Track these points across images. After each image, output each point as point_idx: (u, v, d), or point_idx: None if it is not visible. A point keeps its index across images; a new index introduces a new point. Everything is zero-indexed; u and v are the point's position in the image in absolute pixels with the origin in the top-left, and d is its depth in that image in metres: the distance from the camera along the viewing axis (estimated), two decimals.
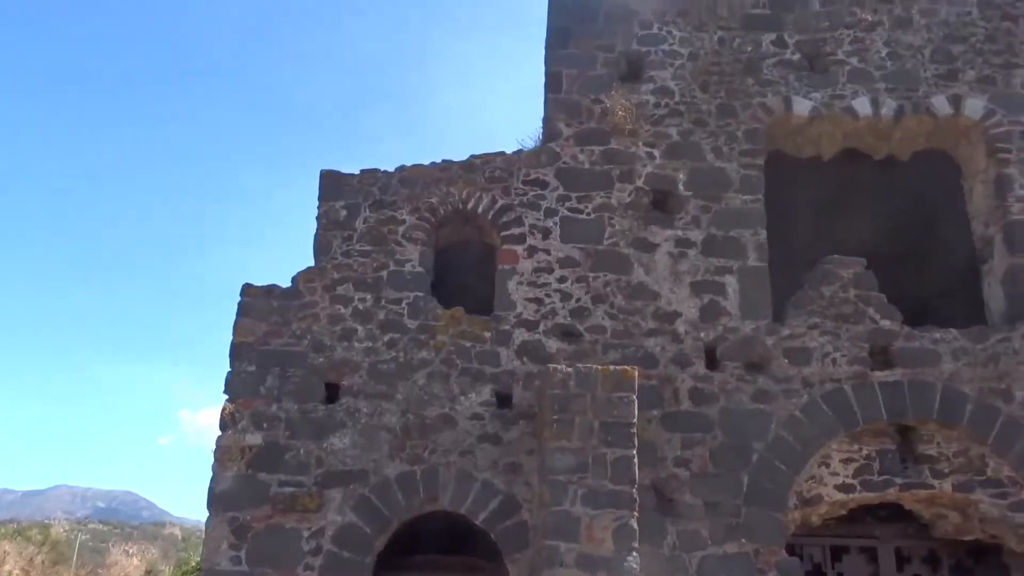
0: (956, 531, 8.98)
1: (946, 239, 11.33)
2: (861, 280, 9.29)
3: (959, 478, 8.68)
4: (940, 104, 9.96)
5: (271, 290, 9.23)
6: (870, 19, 10.26)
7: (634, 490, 7.66)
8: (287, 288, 9.24)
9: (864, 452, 8.80)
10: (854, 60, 10.11)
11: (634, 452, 7.78)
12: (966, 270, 10.50)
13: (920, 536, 9.33)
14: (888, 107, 9.92)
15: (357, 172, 9.67)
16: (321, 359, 8.96)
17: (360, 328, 9.08)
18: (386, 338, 9.03)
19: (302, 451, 8.64)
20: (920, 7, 10.33)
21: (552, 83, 10.08)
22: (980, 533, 8.82)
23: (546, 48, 10.34)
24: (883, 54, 10.13)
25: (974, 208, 10.22)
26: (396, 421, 8.75)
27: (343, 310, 9.14)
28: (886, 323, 9.10)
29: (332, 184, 9.62)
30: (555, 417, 7.77)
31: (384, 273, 9.26)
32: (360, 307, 9.16)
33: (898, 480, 8.71)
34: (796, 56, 10.15)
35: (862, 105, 9.94)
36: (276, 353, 8.99)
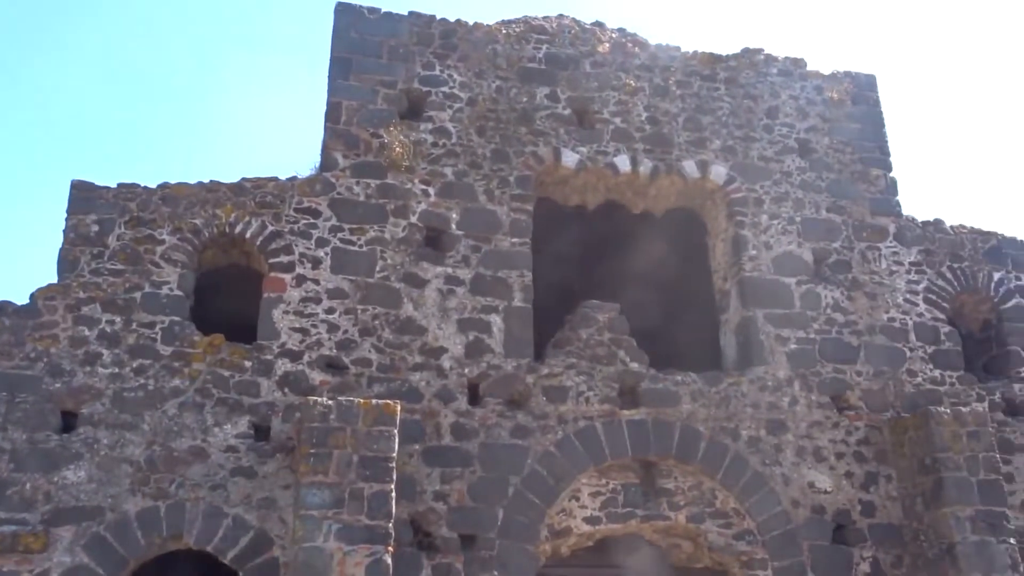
0: (689, 559, 9.73)
1: (694, 290, 12.39)
2: (615, 324, 9.93)
3: (692, 510, 9.43)
4: (690, 168, 10.94)
5: (3, 307, 8.40)
6: (633, 84, 11.13)
7: (390, 525, 7.66)
8: (23, 305, 8.46)
9: (611, 486, 9.33)
10: (618, 120, 10.89)
11: (392, 487, 7.79)
12: (708, 319, 11.52)
13: (658, 565, 9.98)
14: (645, 166, 10.76)
15: (114, 185, 9.07)
16: (58, 384, 8.24)
17: (106, 352, 8.46)
18: (135, 364, 8.48)
19: (28, 485, 7.86)
20: (676, 79, 11.35)
21: (332, 113, 10.04)
22: (709, 561, 9.60)
23: (328, 78, 10.31)
24: (643, 117, 11.00)
25: (715, 264, 11.27)
26: (140, 453, 8.20)
27: (87, 332, 8.48)
28: (635, 365, 9.77)
29: (84, 196, 8.95)
30: (312, 451, 7.63)
31: (138, 295, 8.71)
32: (108, 330, 8.54)
33: (640, 512, 9.31)
34: (567, 111, 10.78)
35: (623, 162, 10.71)
36: (4, 376, 8.16)
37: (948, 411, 9.57)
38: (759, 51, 11.82)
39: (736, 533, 9.42)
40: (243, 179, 9.40)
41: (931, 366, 10.52)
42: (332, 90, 10.17)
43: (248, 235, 9.23)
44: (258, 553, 8.10)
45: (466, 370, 9.28)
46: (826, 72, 11.98)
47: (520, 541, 8.72)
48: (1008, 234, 11.55)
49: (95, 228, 8.84)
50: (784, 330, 10.30)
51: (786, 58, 11.88)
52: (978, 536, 9.03)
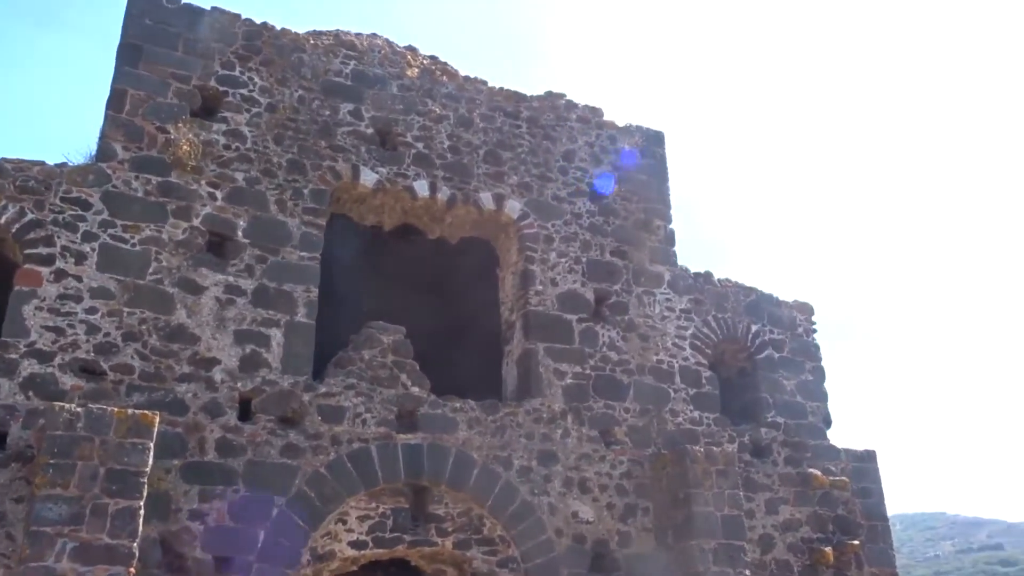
0: None
1: (483, 319, 12.59)
2: (399, 347, 9.89)
3: (459, 536, 9.51)
4: (487, 199, 11.17)
5: None
6: (438, 112, 11.26)
7: (134, 544, 7.14)
8: None
9: (380, 510, 9.23)
10: (420, 145, 10.96)
11: (141, 503, 7.28)
12: (494, 349, 11.73)
13: None
14: (444, 193, 10.87)
15: None
16: None
17: None
18: None
19: None
20: (481, 112, 11.59)
21: (115, 101, 9.40)
22: None
23: (116, 64, 9.66)
24: (445, 145, 11.13)
25: (504, 295, 11.55)
26: None
27: None
28: (415, 390, 9.76)
29: None
30: (52, 461, 7.00)
31: None
32: None
33: (407, 537, 9.27)
34: (370, 130, 10.71)
35: (422, 187, 10.77)
36: None
37: (702, 450, 10.29)
38: (561, 96, 12.33)
39: (501, 560, 9.59)
40: (3, 159, 8.56)
41: (692, 407, 11.27)
42: (118, 77, 9.53)
43: (2, 220, 8.39)
44: None
45: (239, 384, 8.88)
46: (621, 124, 12.68)
47: (280, 565, 8.41)
48: (766, 291, 12.68)
49: None
50: (562, 364, 10.68)
51: (585, 106, 12.46)
52: (719, 567, 9.72)
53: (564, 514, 9.97)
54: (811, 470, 11.54)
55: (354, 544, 9.00)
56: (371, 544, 9.07)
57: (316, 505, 8.78)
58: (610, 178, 12.09)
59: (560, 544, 9.81)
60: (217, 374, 8.83)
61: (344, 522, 9.01)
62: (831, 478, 11.59)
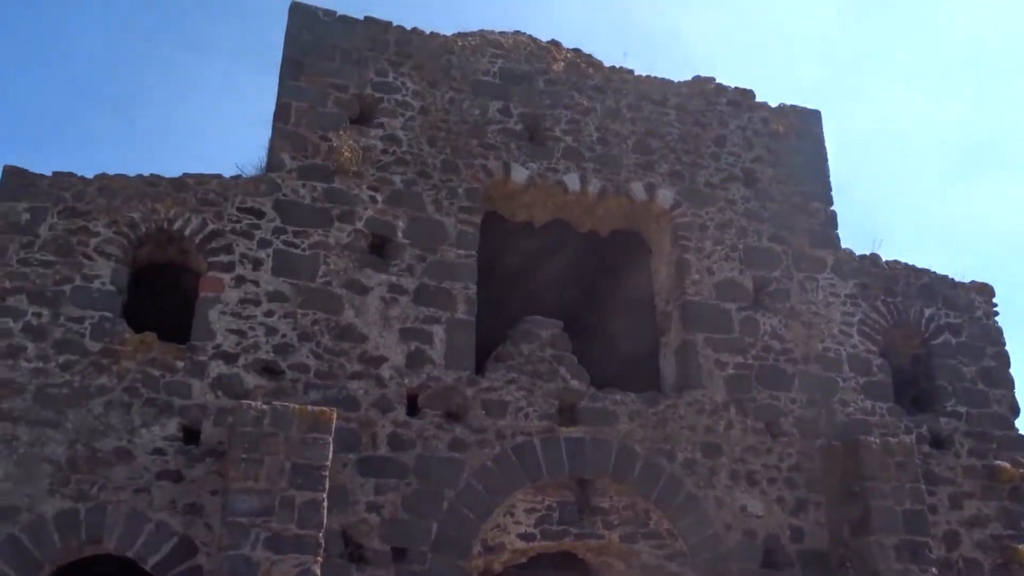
0: None
1: (634, 311, 12.44)
2: (557, 341, 9.92)
3: (625, 529, 9.44)
4: (637, 190, 11.03)
5: None
6: (586, 104, 11.21)
7: (320, 535, 7.49)
8: None
9: (546, 503, 9.29)
10: (569, 139, 10.94)
11: (324, 496, 7.62)
12: (651, 341, 11.55)
13: None
14: (594, 186, 10.82)
15: (49, 174, 8.75)
16: None
17: (30, 346, 8.13)
18: (61, 359, 8.15)
19: None
20: (628, 102, 11.46)
21: (281, 113, 9.88)
22: None
23: (279, 78, 10.16)
24: (594, 138, 11.07)
25: (658, 286, 11.36)
26: (62, 452, 7.87)
27: (12, 324, 8.15)
28: (575, 383, 9.76)
29: (16, 182, 8.62)
30: (243, 456, 7.42)
31: (67, 288, 8.40)
32: (33, 323, 8.21)
33: (574, 530, 9.28)
34: (519, 127, 10.79)
35: (572, 181, 10.75)
36: None
37: (877, 441, 9.77)
38: (710, 80, 12.01)
39: (668, 554, 9.45)
40: (185, 174, 9.17)
41: (863, 397, 10.74)
42: (283, 91, 10.02)
43: (187, 232, 8.98)
44: (181, 560, 7.83)
45: (406, 380, 9.15)
46: (773, 105, 12.23)
47: (453, 556, 8.60)
48: (940, 272, 11.91)
49: (26, 216, 8.51)
50: (723, 355, 10.41)
51: (735, 88, 12.09)
52: (901, 565, 9.21)
53: (732, 508, 9.71)
54: (999, 462, 10.76)
55: (523, 536, 9.10)
56: (539, 536, 9.14)
57: (484, 498, 8.93)
58: None
59: (729, 538, 9.57)
60: (385, 371, 9.12)
61: (512, 515, 9.12)
62: (1022, 471, 10.77)
